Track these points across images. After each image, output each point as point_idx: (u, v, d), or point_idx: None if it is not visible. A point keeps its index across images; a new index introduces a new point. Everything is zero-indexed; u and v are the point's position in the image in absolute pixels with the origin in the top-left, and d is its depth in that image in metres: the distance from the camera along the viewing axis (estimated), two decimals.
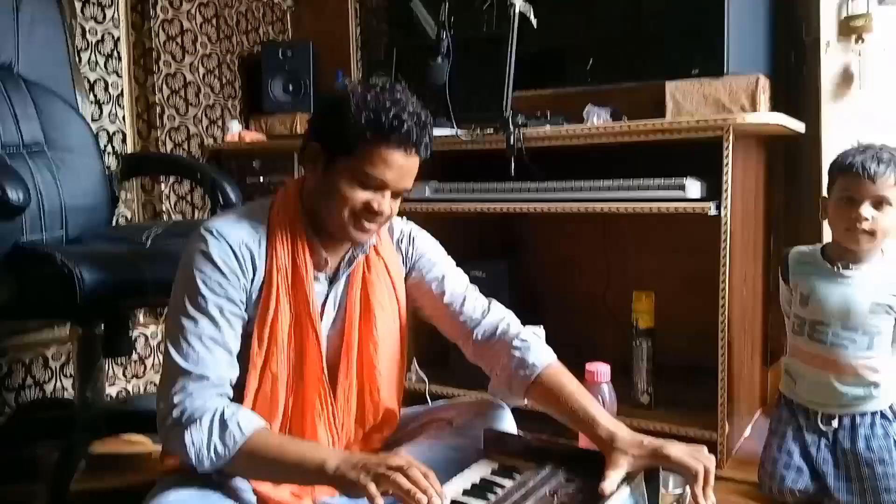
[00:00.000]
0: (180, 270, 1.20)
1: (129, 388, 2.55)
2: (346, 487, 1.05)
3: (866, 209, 1.57)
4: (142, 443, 2.09)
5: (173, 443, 1.11)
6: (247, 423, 1.11)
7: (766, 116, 1.87)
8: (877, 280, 1.64)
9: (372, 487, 1.00)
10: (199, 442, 1.08)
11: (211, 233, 1.20)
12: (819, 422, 1.68)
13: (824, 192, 1.72)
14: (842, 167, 1.61)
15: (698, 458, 1.12)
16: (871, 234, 1.58)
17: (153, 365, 2.63)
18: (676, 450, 1.13)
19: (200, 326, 1.15)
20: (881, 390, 1.65)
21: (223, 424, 1.09)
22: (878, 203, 1.57)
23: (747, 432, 2.15)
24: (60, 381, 2.32)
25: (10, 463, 1.91)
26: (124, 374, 2.55)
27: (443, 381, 2.30)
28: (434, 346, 2.33)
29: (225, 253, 1.18)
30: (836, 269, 1.66)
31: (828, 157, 1.86)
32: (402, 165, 1.19)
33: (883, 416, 1.65)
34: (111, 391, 2.47)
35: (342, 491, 1.09)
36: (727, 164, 1.81)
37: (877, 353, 1.65)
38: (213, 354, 1.15)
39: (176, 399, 1.11)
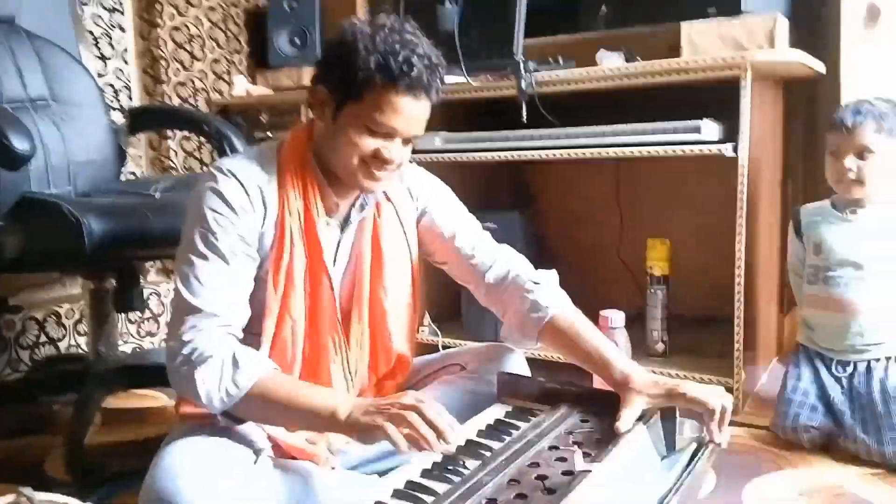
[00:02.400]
0: (190, 208, 1.18)
1: (143, 345, 2.57)
2: (361, 433, 1.03)
3: (849, 160, 1.66)
4: (155, 397, 2.10)
5: (183, 382, 1.09)
6: (258, 364, 1.09)
7: (786, 54, 1.81)
8: (883, 222, 1.70)
9: (391, 429, 0.98)
10: (209, 381, 1.06)
11: (222, 171, 1.17)
12: (835, 368, 1.71)
13: None
14: (829, 125, 1.71)
15: (714, 396, 1.11)
16: (860, 182, 1.66)
17: (167, 323, 2.64)
18: (692, 389, 1.12)
19: (211, 264, 1.13)
20: (894, 333, 1.68)
21: (235, 363, 1.07)
22: (860, 153, 1.65)
23: (763, 379, 2.13)
24: (74, 338, 2.33)
25: (27, 417, 1.94)
26: (138, 332, 2.56)
27: (455, 334, 2.29)
28: (446, 300, 2.33)
29: (236, 191, 1.16)
30: (843, 214, 1.73)
31: (848, 100, 1.82)
32: (412, 112, 1.15)
33: None
34: (125, 349, 2.48)
35: (357, 437, 1.07)
36: (745, 104, 1.77)
37: (889, 295, 1.68)
38: (224, 292, 1.13)
39: (186, 337, 1.09)
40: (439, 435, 0.97)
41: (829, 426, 1.66)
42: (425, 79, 1.13)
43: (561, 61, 2.13)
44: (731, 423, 1.14)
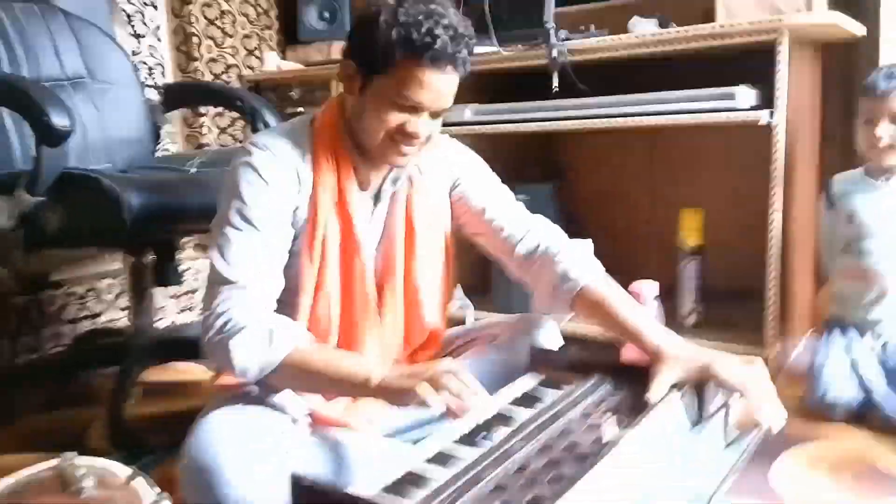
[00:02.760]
0: (227, 182, 1.19)
1: (181, 319, 2.62)
2: (395, 397, 1.04)
3: (882, 127, 1.63)
4: (193, 370, 2.15)
5: (218, 353, 1.10)
6: (292, 334, 1.11)
7: (824, 16, 1.77)
8: None
9: (423, 387, 0.98)
10: (244, 351, 1.07)
11: (256, 146, 1.18)
12: (867, 341, 1.70)
13: None
14: (862, 90, 1.69)
15: (748, 375, 1.10)
16: (893, 148, 1.64)
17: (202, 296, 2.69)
18: (724, 368, 1.10)
19: (246, 236, 1.14)
20: None
21: (269, 334, 1.08)
22: (894, 118, 1.63)
23: (798, 352, 2.11)
24: (115, 312, 2.39)
25: (69, 390, 1.99)
26: (176, 307, 2.62)
27: (486, 307, 2.30)
28: (477, 273, 2.33)
29: (271, 165, 1.17)
30: (878, 183, 1.70)
31: (885, 63, 1.78)
32: (438, 85, 1.13)
33: None
34: (163, 323, 2.54)
35: (390, 401, 1.08)
36: (781, 70, 1.73)
37: None
38: (259, 265, 1.14)
39: (220, 308, 1.10)
40: (473, 397, 0.98)
41: (862, 399, 1.64)
42: (450, 50, 1.11)
43: (593, 29, 2.11)
44: None
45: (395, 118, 1.15)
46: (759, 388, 1.09)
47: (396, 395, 1.03)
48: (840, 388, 1.65)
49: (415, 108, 1.15)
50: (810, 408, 1.69)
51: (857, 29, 1.95)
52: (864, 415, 1.64)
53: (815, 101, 2.09)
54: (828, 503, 1.29)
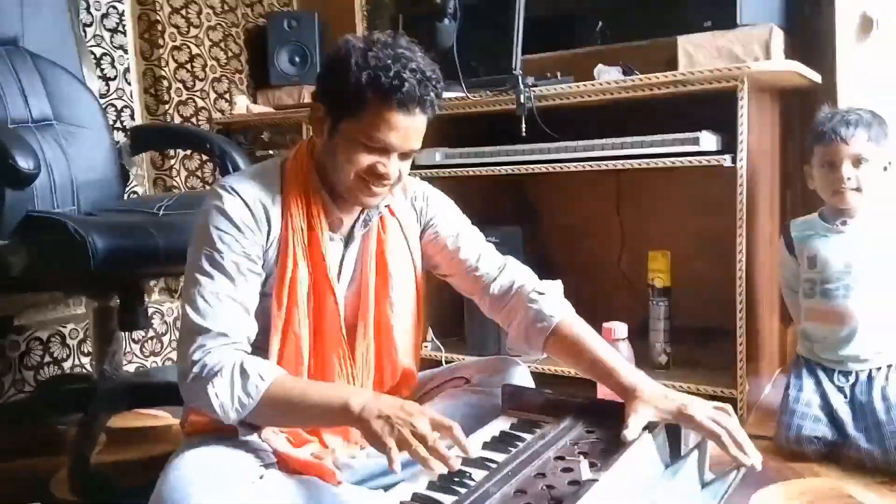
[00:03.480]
0: (196, 227, 1.19)
1: (148, 364, 2.57)
2: (368, 436, 1.04)
3: (847, 169, 1.67)
4: (160, 416, 2.10)
5: (197, 398, 1.10)
6: (267, 370, 1.11)
7: (782, 64, 1.84)
8: (872, 230, 1.71)
9: (394, 451, 0.99)
10: (222, 393, 1.08)
11: (226, 189, 1.18)
12: (837, 378, 1.71)
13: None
14: (817, 136, 1.72)
15: (721, 421, 1.10)
16: (858, 190, 1.68)
17: (170, 342, 2.64)
18: (700, 412, 1.11)
19: (217, 283, 1.14)
20: (894, 342, 1.69)
21: (244, 374, 1.08)
22: (857, 161, 1.67)
23: (767, 391, 2.13)
24: (78, 358, 2.33)
25: (32, 437, 1.93)
26: (142, 352, 2.56)
27: (458, 349, 2.29)
28: (449, 315, 2.33)
29: (240, 209, 1.17)
30: (835, 227, 1.74)
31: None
32: (406, 127, 1.15)
33: None
34: (129, 368, 2.48)
35: (363, 435, 1.08)
36: (742, 115, 1.78)
37: (886, 304, 1.69)
38: (231, 311, 1.14)
39: (196, 356, 1.10)
40: (442, 459, 0.98)
41: (833, 436, 1.65)
42: (418, 93, 1.13)
43: (559, 76, 2.15)
44: None
45: (365, 159, 1.16)
46: (734, 431, 1.10)
47: (371, 437, 1.04)
48: (812, 426, 1.66)
49: (384, 150, 1.16)
50: (782, 446, 1.70)
51: (814, 76, 2.02)
52: (836, 452, 1.65)
53: (775, 146, 2.16)
54: None
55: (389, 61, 1.12)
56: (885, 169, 1.70)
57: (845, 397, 1.69)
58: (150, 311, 2.52)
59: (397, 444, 1.00)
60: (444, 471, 0.98)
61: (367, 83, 1.11)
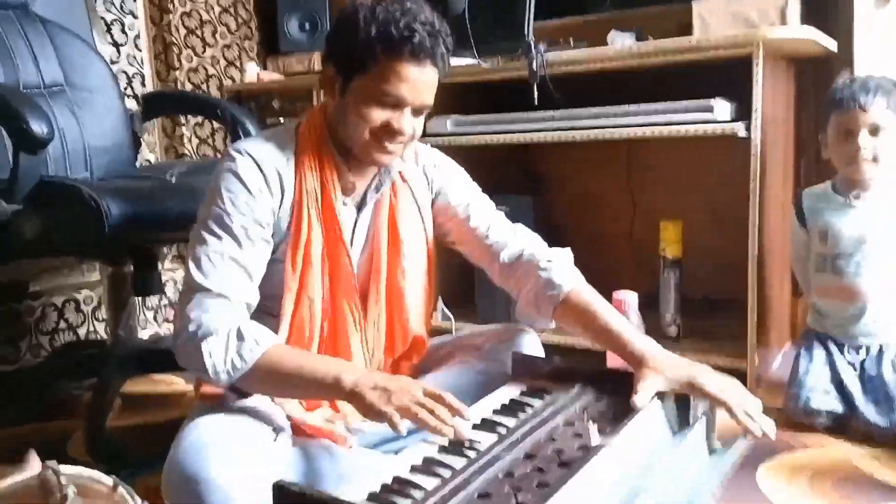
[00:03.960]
0: (209, 189, 1.19)
1: (161, 331, 2.60)
2: (364, 408, 1.04)
3: (864, 139, 1.62)
4: (174, 382, 2.13)
5: (189, 357, 1.10)
6: (264, 336, 1.11)
7: (798, 31, 1.80)
8: (886, 205, 1.67)
9: (397, 418, 0.99)
10: (216, 354, 1.07)
11: (240, 152, 1.19)
12: (847, 352, 1.70)
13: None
14: (834, 103, 1.66)
15: (731, 391, 1.11)
16: (874, 160, 1.63)
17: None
18: (710, 381, 1.11)
19: (224, 244, 1.14)
20: None
21: (240, 337, 1.08)
22: (874, 130, 1.62)
23: (777, 362, 2.13)
24: (93, 324, 2.36)
25: (48, 402, 1.97)
26: (155, 319, 2.59)
27: (468, 319, 2.30)
28: (459, 285, 2.34)
29: (254, 172, 1.17)
30: (847, 200, 1.70)
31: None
32: (417, 79, 1.15)
33: None
34: (143, 335, 2.51)
35: (359, 409, 1.08)
36: (757, 82, 1.76)
37: None
38: (234, 273, 1.14)
39: (193, 314, 1.10)
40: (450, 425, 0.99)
41: (842, 409, 1.65)
42: (428, 44, 1.13)
43: (572, 43, 2.13)
44: None
45: (378, 115, 1.16)
46: (745, 400, 1.10)
47: (367, 408, 1.04)
48: (821, 398, 1.66)
49: (397, 105, 1.16)
50: (791, 417, 1.69)
51: (831, 44, 1.99)
52: (844, 424, 1.65)
53: (790, 115, 2.13)
54: None
55: (398, 14, 1.12)
56: None
57: (855, 370, 1.68)
58: (164, 278, 2.54)
59: (399, 413, 1.00)
60: (453, 435, 0.99)
61: (376, 37, 1.11)
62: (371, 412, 1.03)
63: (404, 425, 1.00)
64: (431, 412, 0.99)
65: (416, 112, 1.19)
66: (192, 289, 1.12)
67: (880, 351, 1.67)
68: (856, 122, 1.62)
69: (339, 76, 1.18)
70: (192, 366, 1.11)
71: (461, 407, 1.02)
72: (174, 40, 2.62)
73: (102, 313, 2.36)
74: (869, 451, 1.55)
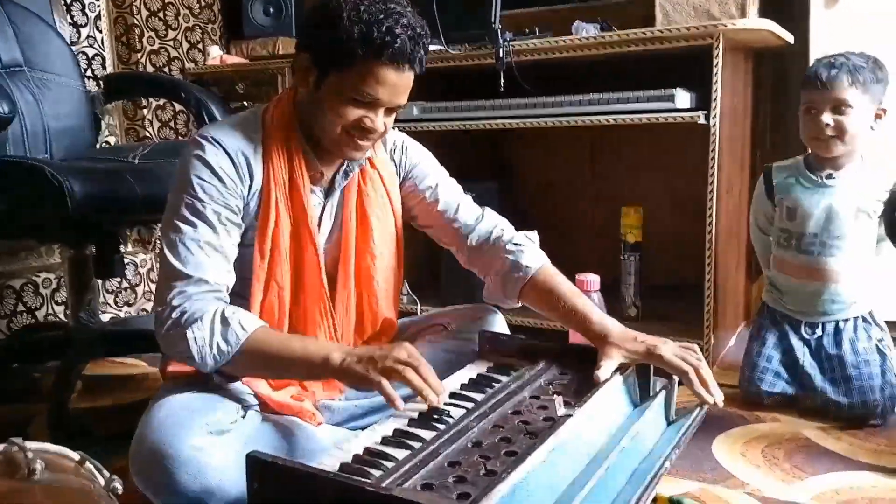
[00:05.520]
0: (177, 176, 1.19)
1: (121, 314, 2.57)
2: (354, 380, 1.07)
3: (826, 116, 1.61)
4: (136, 364, 2.12)
5: (174, 345, 1.10)
6: (248, 320, 1.11)
7: (756, 23, 1.86)
8: (859, 186, 1.67)
9: (385, 384, 1.01)
10: (201, 340, 1.08)
11: (207, 139, 1.18)
12: (804, 330, 1.72)
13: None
14: (803, 81, 1.67)
15: (688, 359, 1.15)
16: (838, 138, 1.62)
17: (144, 293, 2.64)
18: (668, 351, 1.16)
19: (198, 231, 1.14)
20: (863, 295, 1.70)
21: (224, 322, 1.09)
22: (837, 107, 1.61)
23: (732, 342, 2.20)
24: (52, 307, 2.33)
25: (8, 385, 1.94)
26: (115, 302, 2.56)
27: (433, 302, 2.32)
28: (424, 268, 2.36)
29: (222, 158, 1.17)
30: (819, 178, 1.69)
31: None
32: (395, 82, 1.15)
33: (864, 319, 1.70)
34: (103, 318, 2.48)
35: (349, 383, 1.11)
36: (717, 73, 1.81)
37: (860, 259, 1.69)
38: (211, 259, 1.14)
39: (175, 302, 1.10)
40: (433, 388, 1.02)
41: (794, 391, 1.69)
42: (409, 49, 1.13)
43: (537, 32, 2.16)
44: None
45: (353, 113, 1.17)
46: (701, 370, 1.15)
47: (357, 380, 1.06)
48: (772, 380, 1.71)
49: (372, 104, 1.17)
50: (745, 396, 1.75)
51: (788, 36, 2.06)
52: (797, 405, 1.70)
53: (748, 105, 2.19)
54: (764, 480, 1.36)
55: (381, 16, 1.12)
56: (879, 117, 1.64)
57: (810, 349, 1.70)
58: (125, 261, 2.51)
59: (384, 374, 1.02)
60: (431, 404, 1.01)
61: (358, 37, 1.11)
62: (360, 383, 1.06)
63: (399, 399, 1.02)
64: (416, 370, 1.02)
65: (389, 111, 1.20)
66: (170, 277, 1.13)
67: (837, 329, 1.69)
68: (819, 99, 1.62)
69: (314, 68, 1.18)
70: (177, 353, 1.12)
71: (432, 380, 1.05)
72: (136, 22, 2.58)
73: (61, 296, 2.33)
74: (819, 424, 1.62)
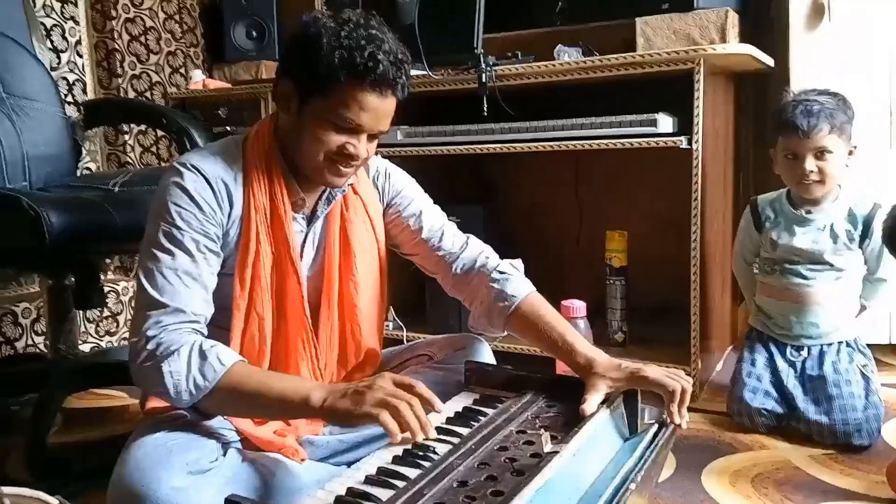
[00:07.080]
0: (155, 203, 1.17)
1: (103, 344, 2.53)
2: (340, 418, 1.03)
3: (809, 163, 1.66)
4: (117, 396, 2.08)
5: (149, 378, 1.07)
6: (226, 355, 1.09)
7: (737, 47, 1.87)
8: (836, 218, 1.73)
9: (386, 416, 0.97)
10: (177, 374, 1.05)
11: (186, 166, 1.17)
12: (789, 353, 1.76)
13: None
14: (780, 126, 1.70)
15: (675, 378, 1.14)
16: (821, 182, 1.68)
17: (126, 322, 2.60)
18: (653, 371, 1.15)
19: (176, 260, 1.12)
20: (846, 321, 1.74)
21: (202, 355, 1.06)
22: (819, 154, 1.66)
23: (719, 367, 2.20)
24: (32, 337, 2.29)
25: None
26: (97, 332, 2.52)
27: (420, 329, 2.31)
28: (411, 295, 2.34)
29: (201, 186, 1.16)
30: (801, 213, 1.75)
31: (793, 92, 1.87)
32: (377, 108, 1.14)
33: (848, 345, 1.74)
34: (84, 348, 2.44)
35: (333, 422, 1.08)
36: (698, 97, 1.82)
37: (842, 287, 1.74)
38: (190, 289, 1.12)
39: (151, 332, 1.07)
40: (423, 425, 0.99)
41: (782, 410, 1.71)
42: (391, 75, 1.13)
43: (519, 56, 2.16)
44: (689, 410, 1.16)
45: (334, 139, 1.15)
46: (686, 391, 1.13)
47: (344, 417, 1.02)
48: (761, 399, 1.72)
49: (354, 130, 1.16)
50: (734, 414, 1.75)
51: (768, 60, 2.07)
52: (786, 425, 1.71)
53: (729, 129, 2.21)
54: None
55: (363, 42, 1.11)
56: (851, 153, 1.69)
57: (796, 372, 1.73)
58: (105, 290, 2.47)
59: (381, 407, 0.98)
60: (421, 439, 0.99)
61: (340, 63, 1.10)
62: (351, 419, 1.01)
63: (395, 427, 0.97)
64: (409, 406, 0.98)
65: (372, 137, 1.19)
66: (146, 306, 1.10)
67: (821, 352, 1.72)
68: (801, 147, 1.67)
69: (296, 94, 1.16)
70: (152, 387, 1.09)
71: (432, 397, 1.03)
72: (117, 47, 2.56)
73: (41, 326, 2.29)
74: (809, 451, 1.61)
